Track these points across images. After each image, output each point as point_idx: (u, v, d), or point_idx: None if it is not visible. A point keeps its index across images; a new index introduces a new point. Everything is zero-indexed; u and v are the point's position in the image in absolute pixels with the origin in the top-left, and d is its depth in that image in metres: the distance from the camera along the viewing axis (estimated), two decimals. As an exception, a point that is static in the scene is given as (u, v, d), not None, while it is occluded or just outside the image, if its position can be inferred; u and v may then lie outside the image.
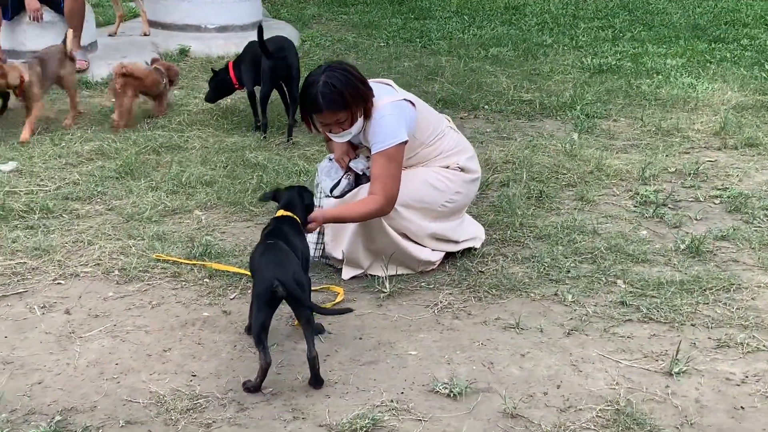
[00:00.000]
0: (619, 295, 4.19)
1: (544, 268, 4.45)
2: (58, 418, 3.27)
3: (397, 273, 4.37)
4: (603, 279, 4.36)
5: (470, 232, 4.63)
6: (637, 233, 4.94)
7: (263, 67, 6.42)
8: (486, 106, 7.43)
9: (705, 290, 4.23)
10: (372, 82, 4.27)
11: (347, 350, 3.73)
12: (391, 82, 4.40)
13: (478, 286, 4.27)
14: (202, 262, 4.45)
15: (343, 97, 3.98)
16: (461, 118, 7.12)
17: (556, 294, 4.20)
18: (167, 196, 5.35)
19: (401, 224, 4.27)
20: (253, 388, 3.41)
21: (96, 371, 3.58)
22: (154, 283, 4.31)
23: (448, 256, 4.56)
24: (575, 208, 5.26)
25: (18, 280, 4.33)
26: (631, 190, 5.58)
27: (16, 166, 5.81)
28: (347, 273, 4.36)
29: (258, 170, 5.78)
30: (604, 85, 8.15)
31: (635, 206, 5.33)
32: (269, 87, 6.58)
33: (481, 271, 4.45)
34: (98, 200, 5.35)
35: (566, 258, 4.58)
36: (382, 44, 9.80)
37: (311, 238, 4.43)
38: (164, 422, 3.26)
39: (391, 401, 3.37)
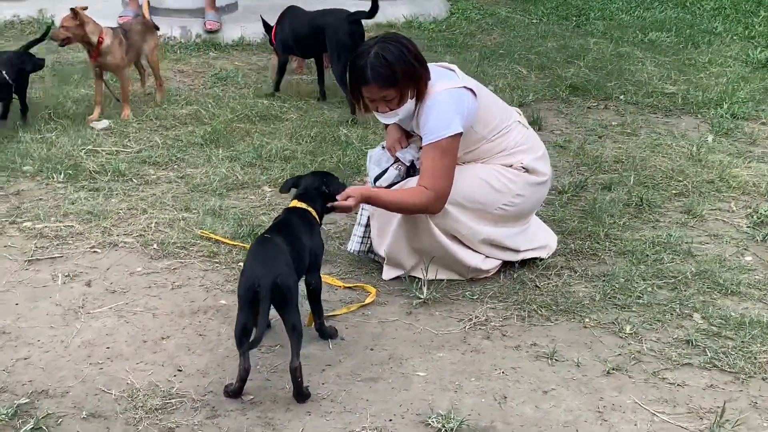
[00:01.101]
0: (689, 331, 3.63)
1: (613, 290, 3.93)
2: (24, 400, 3.12)
3: (441, 278, 3.97)
4: (677, 310, 3.79)
5: (537, 241, 4.15)
6: (740, 259, 4.30)
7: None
8: (621, 97, 6.79)
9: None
10: (432, 66, 3.85)
11: (351, 362, 3.38)
12: (454, 67, 3.95)
13: (528, 302, 3.81)
14: (243, 244, 4.19)
15: (394, 71, 3.61)
16: (588, 107, 6.55)
17: (614, 322, 3.68)
18: (241, 169, 5.15)
19: (450, 225, 3.85)
20: (232, 393, 3.14)
21: (84, 353, 3.41)
22: (187, 262, 4.11)
23: (507, 264, 4.09)
24: (677, 222, 4.65)
25: (57, 245, 4.25)
26: (750, 207, 4.88)
27: (109, 125, 5.76)
28: (388, 273, 4.00)
29: (344, 148, 5.45)
30: (764, 82, 7.27)
31: (749, 227, 4.65)
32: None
33: (537, 286, 3.97)
34: (173, 167, 5.22)
35: (644, 280, 4.03)
36: (535, 21, 9.23)
37: (357, 232, 4.09)
38: (126, 420, 3.05)
39: (373, 429, 3.00)
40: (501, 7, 9.81)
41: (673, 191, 5.06)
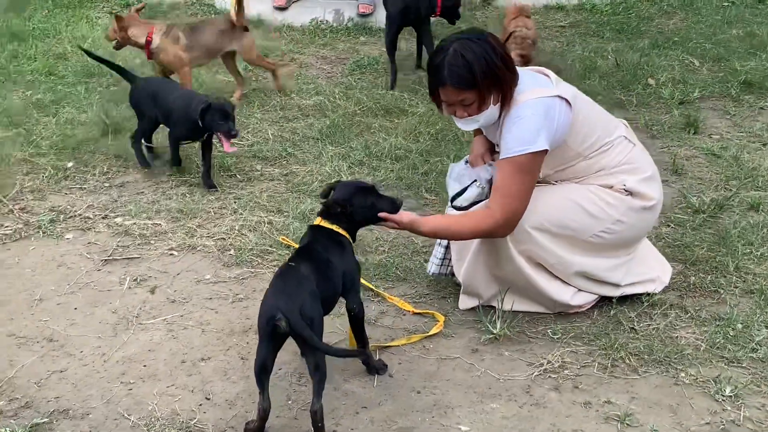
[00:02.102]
0: (805, 400, 3.03)
1: (725, 339, 3.37)
2: (43, 420, 3.01)
3: (523, 310, 3.54)
4: (799, 370, 3.19)
5: (645, 273, 3.63)
6: None
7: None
8: (806, 97, 5.95)
9: None
10: (523, 70, 3.40)
11: (391, 405, 3.05)
12: (549, 72, 3.46)
13: (617, 348, 3.32)
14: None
15: (473, 73, 3.17)
16: (761, 108, 5.79)
17: (714, 380, 3.15)
18: (348, 168, 4.87)
19: (535, 252, 3.40)
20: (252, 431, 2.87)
21: (120, 370, 3.27)
22: (257, 272, 3.91)
23: (606, 298, 3.60)
24: (828, 255, 3.96)
25: (138, 244, 4.15)
26: None
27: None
28: (464, 302, 3.61)
29: (463, 147, 5.04)
30: None
31: None
32: (395, 33, 6.24)
33: (634, 328, 3.46)
34: (281, 162, 5.03)
35: (766, 328, 3.42)
36: (726, 3, 8.33)
37: (437, 253, 3.71)
38: (133, 453, 2.83)
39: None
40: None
41: (838, 217, 4.32)
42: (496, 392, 3.11)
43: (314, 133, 5.33)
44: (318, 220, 3.14)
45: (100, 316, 3.58)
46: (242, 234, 4.19)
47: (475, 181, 3.51)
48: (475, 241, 3.47)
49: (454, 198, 3.54)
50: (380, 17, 7.49)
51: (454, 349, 3.36)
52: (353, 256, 3.13)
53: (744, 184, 4.66)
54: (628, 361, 3.26)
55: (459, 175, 3.59)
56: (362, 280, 3.68)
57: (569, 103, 3.30)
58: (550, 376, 3.19)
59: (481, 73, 3.17)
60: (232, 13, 5.68)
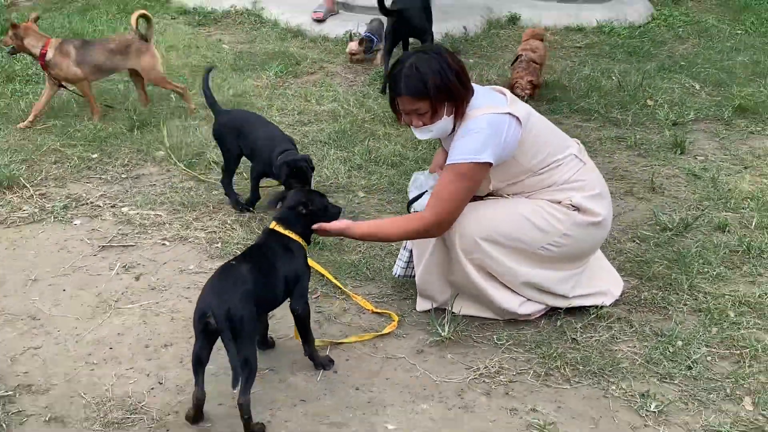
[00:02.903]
0: (727, 419, 2.84)
1: (663, 354, 3.18)
2: (6, 393, 2.95)
3: (472, 315, 3.40)
4: (727, 390, 3.01)
5: (595, 286, 3.45)
6: (841, 336, 3.35)
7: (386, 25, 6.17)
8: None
9: None
10: (480, 88, 3.26)
11: (328, 401, 2.94)
12: (506, 91, 3.31)
13: (554, 357, 3.15)
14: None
15: (426, 84, 3.06)
16: (750, 132, 5.50)
17: (643, 395, 2.96)
18: (346, 171, 4.76)
19: (484, 262, 3.25)
20: (190, 419, 2.79)
21: (87, 351, 3.22)
22: (237, 265, 3.76)
23: (557, 308, 3.43)
24: (782, 279, 3.73)
25: (137, 233, 4.12)
26: None
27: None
28: (420, 305, 3.48)
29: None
30: None
31: None
32: (390, 44, 6.16)
33: (575, 339, 3.29)
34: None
35: (706, 347, 3.24)
36: (739, 32, 7.99)
37: (402, 256, 3.58)
38: (80, 430, 2.76)
39: (304, 485, 2.54)
40: (709, 15, 8.60)
41: (797, 242, 4.07)
42: (429, 393, 2.97)
43: (323, 137, 5.22)
44: (273, 224, 3.04)
45: (84, 299, 3.53)
46: (232, 228, 4.12)
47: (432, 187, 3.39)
48: (430, 247, 3.34)
49: (410, 203, 3.42)
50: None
51: (401, 350, 3.22)
52: (302, 261, 3.00)
53: (716, 205, 4.42)
54: (562, 371, 3.09)
55: (420, 184, 3.48)
56: (331, 278, 3.59)
57: (520, 121, 3.13)
58: (484, 381, 3.04)
59: (433, 85, 3.06)
60: (134, 27, 5.34)
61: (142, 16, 5.24)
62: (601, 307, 3.44)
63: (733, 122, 5.64)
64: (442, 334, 3.25)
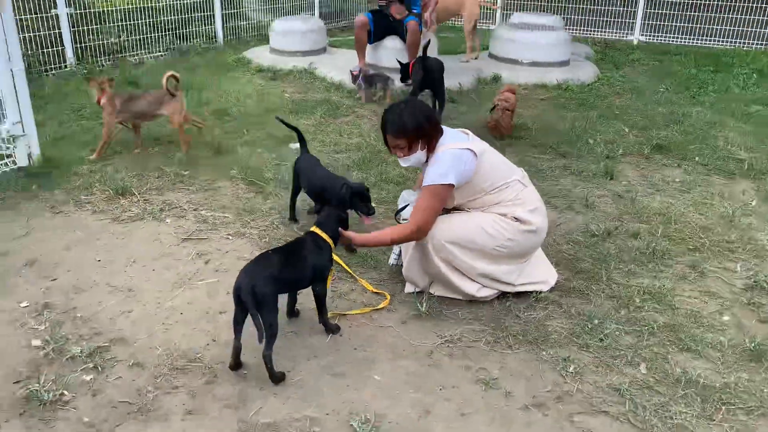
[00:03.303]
0: (626, 379, 2.74)
1: (582, 329, 3.07)
2: (104, 343, 2.92)
3: (444, 296, 3.31)
4: (628, 357, 2.90)
5: (536, 276, 3.35)
6: (717, 318, 3.22)
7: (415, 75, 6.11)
8: (696, 158, 5.45)
9: (723, 404, 2.58)
10: (452, 130, 3.19)
11: (334, 357, 2.88)
12: (469, 132, 3.24)
13: (502, 329, 3.07)
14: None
15: (405, 127, 3.07)
16: (663, 164, 5.33)
17: (565, 359, 2.87)
18: (363, 187, 4.66)
19: (449, 258, 3.19)
20: (231, 366, 2.76)
21: (165, 315, 3.18)
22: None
23: (507, 292, 3.33)
24: (678, 275, 3.60)
25: (209, 229, 4.08)
26: (752, 271, 3.67)
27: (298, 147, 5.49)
28: (407, 288, 3.41)
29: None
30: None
31: (742, 288, 3.49)
32: (417, 89, 6.14)
33: (518, 316, 3.19)
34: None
35: (616, 324, 3.12)
36: (662, 89, 7.78)
37: (395, 250, 3.53)
38: (153, 374, 2.79)
39: (308, 419, 2.49)
40: (641, 77, 8.40)
41: (690, 246, 3.93)
42: (408, 354, 2.91)
43: (350, 162, 5.15)
44: (313, 227, 2.99)
45: (166, 277, 3.51)
46: (277, 228, 4.07)
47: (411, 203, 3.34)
48: (411, 247, 3.28)
49: (397, 212, 3.38)
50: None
51: (390, 320, 3.16)
52: (328, 256, 2.94)
53: (633, 218, 4.29)
54: (507, 340, 3.01)
55: (404, 198, 3.43)
56: (344, 265, 3.53)
57: (476, 155, 3.07)
58: (448, 346, 2.96)
59: (411, 128, 3.05)
60: (165, 83, 5.04)
61: (172, 76, 5.06)
62: (540, 292, 3.34)
63: (651, 157, 5.48)
64: (421, 310, 3.18)
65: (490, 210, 3.18)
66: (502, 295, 3.32)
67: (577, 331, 3.06)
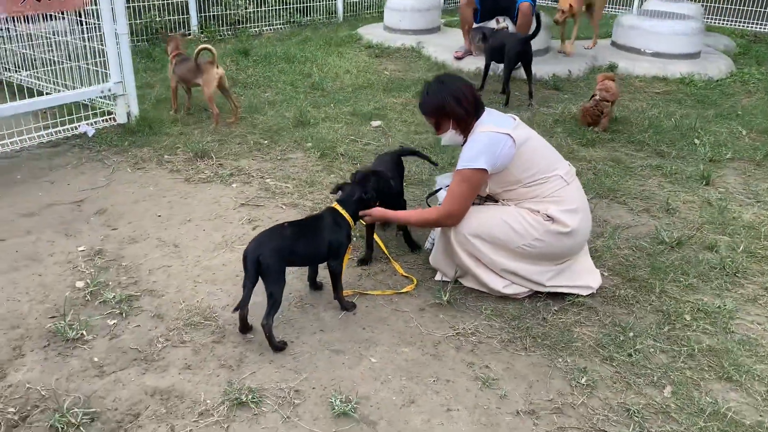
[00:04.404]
0: (642, 401, 2.51)
1: (612, 341, 2.85)
2: (136, 293, 3.11)
3: (473, 288, 3.19)
4: (654, 377, 2.65)
5: (573, 279, 3.14)
6: (775, 349, 2.86)
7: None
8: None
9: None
10: (497, 112, 3.05)
11: (339, 334, 2.88)
12: (516, 117, 3.07)
13: (523, 329, 2.91)
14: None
15: (429, 105, 3.02)
16: (767, 170, 4.77)
17: (581, 370, 2.67)
18: (435, 169, 4.59)
19: (472, 250, 3.07)
20: (240, 329, 2.86)
21: (198, 273, 3.34)
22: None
23: (542, 292, 3.16)
24: (745, 297, 3.22)
25: (268, 197, 4.20)
26: (844, 302, 3.21)
27: (380, 124, 5.52)
28: (438, 276, 3.31)
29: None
30: None
31: (822, 320, 3.07)
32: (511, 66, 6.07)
33: (545, 318, 3.01)
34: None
35: (653, 340, 2.87)
36: (803, 88, 6.94)
37: (432, 234, 3.46)
38: (168, 326, 2.93)
39: (294, 390, 2.52)
40: (784, 73, 7.53)
41: (772, 267, 3.50)
42: (413, 341, 2.84)
43: (425, 144, 5.07)
44: (334, 204, 3.00)
45: (213, 238, 3.65)
46: (330, 200, 4.09)
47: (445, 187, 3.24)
48: (438, 233, 3.19)
49: (429, 195, 3.32)
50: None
51: (408, 306, 3.09)
52: (345, 233, 2.93)
53: (715, 229, 3.89)
54: (523, 341, 2.85)
55: (440, 182, 3.34)
56: (381, 244, 3.50)
57: (515, 142, 2.91)
58: (459, 338, 2.86)
59: (434, 105, 2.98)
60: (202, 62, 5.14)
61: (206, 49, 5.07)
62: (577, 296, 3.13)
63: (763, 164, 4.92)
64: (443, 299, 3.09)
65: (523, 204, 3.01)
66: (536, 295, 3.14)
67: (605, 341, 2.83)
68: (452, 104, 2.93)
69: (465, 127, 2.97)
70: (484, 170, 2.88)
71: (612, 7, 10.97)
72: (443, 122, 2.97)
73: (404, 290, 3.17)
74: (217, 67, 5.16)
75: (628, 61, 7.48)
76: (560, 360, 2.73)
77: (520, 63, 6.12)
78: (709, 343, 2.84)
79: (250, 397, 2.43)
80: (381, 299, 3.12)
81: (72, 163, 4.58)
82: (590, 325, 2.96)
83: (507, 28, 6.53)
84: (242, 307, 2.73)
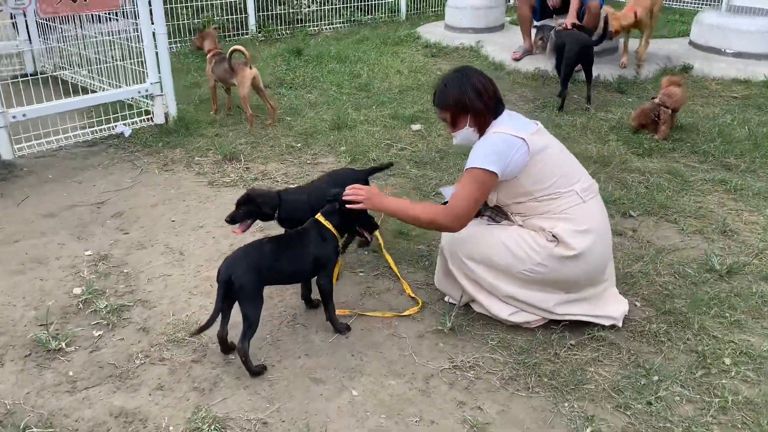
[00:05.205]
0: (654, 463, 2.16)
1: (633, 386, 2.50)
2: (128, 303, 3.02)
3: (483, 313, 2.90)
4: (674, 434, 2.28)
5: (597, 310, 2.80)
6: (832, 407, 2.42)
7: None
8: None
9: None
10: (518, 114, 2.76)
11: (325, 359, 2.67)
12: (539, 123, 2.76)
13: (529, 366, 2.61)
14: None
15: (447, 98, 2.69)
16: None
17: (588, 418, 2.35)
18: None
19: (470, 274, 2.79)
20: (222, 350, 2.69)
21: (195, 284, 3.21)
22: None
23: (559, 321, 2.84)
24: (805, 339, 2.78)
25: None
26: None
27: (420, 128, 5.27)
28: (447, 297, 3.04)
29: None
30: None
31: None
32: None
33: (557, 353, 2.69)
34: (419, 167, 4.57)
35: (681, 387, 2.50)
36: None
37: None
38: (151, 341, 2.79)
39: (259, 423, 2.33)
40: None
41: (842, 305, 3.01)
42: (403, 372, 2.59)
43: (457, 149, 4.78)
44: (318, 216, 2.79)
45: (220, 247, 3.53)
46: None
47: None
48: (439, 255, 2.91)
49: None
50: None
51: (407, 331, 2.84)
52: (332, 247, 2.70)
53: (776, 256, 3.41)
54: (527, 380, 2.54)
55: (446, 194, 3.05)
56: (390, 261, 3.27)
57: (529, 149, 2.60)
58: (455, 372, 2.58)
59: (453, 100, 2.66)
60: (236, 63, 5.06)
61: (238, 50, 4.96)
62: (599, 328, 2.78)
63: None
64: (446, 326, 2.82)
65: (532, 219, 2.69)
66: (551, 324, 2.82)
67: (623, 385, 2.49)
68: (472, 97, 2.64)
69: (482, 125, 2.68)
70: (494, 174, 2.58)
71: (696, 3, 10.21)
72: (460, 118, 2.69)
73: (406, 313, 2.92)
74: (251, 68, 5.06)
75: (704, 62, 6.89)
76: (566, 404, 2.41)
77: (580, 65, 5.70)
78: (747, 394, 2.43)
79: (212, 427, 2.25)
80: (380, 321, 2.88)
81: (103, 164, 4.59)
82: (608, 364, 2.61)
83: (566, 26, 6.10)
84: (205, 329, 2.53)
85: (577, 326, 2.80)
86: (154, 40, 4.95)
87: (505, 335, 2.78)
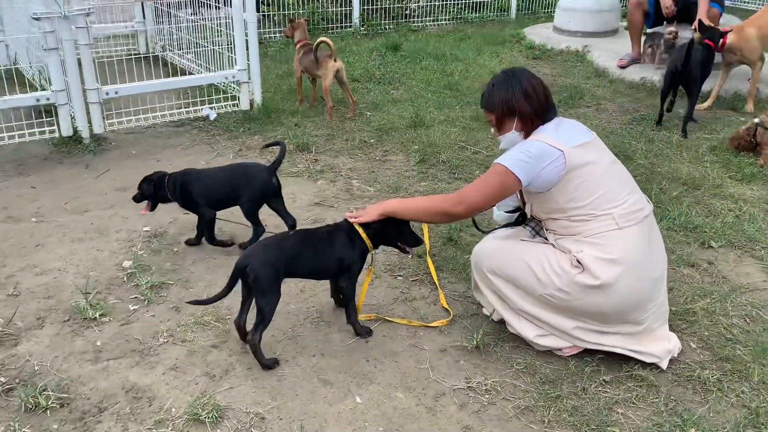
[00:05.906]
0: None
1: (659, 429, 2.27)
2: (169, 281, 3.11)
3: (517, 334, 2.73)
4: (698, 498, 2.04)
5: (631, 342, 2.56)
6: None
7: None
8: None
9: None
10: (569, 121, 2.57)
11: (339, 361, 2.61)
12: (593, 133, 2.55)
13: (551, 398, 2.42)
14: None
15: (493, 99, 2.54)
16: None
17: (602, 465, 2.14)
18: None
19: (495, 289, 2.66)
20: (241, 337, 2.70)
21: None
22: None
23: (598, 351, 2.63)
24: None
25: (345, 198, 4.04)
26: None
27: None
28: (485, 309, 2.90)
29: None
30: None
31: None
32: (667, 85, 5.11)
33: (585, 388, 2.48)
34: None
35: (719, 445, 2.23)
36: None
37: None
38: (179, 321, 2.84)
39: (256, 417, 2.32)
40: None
41: None
42: (414, 387, 2.48)
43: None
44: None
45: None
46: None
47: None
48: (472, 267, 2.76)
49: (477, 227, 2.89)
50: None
51: (431, 343, 2.73)
52: (359, 252, 2.63)
53: None
54: (545, 413, 2.36)
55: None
56: (431, 268, 3.16)
57: (566, 162, 2.41)
58: (469, 394, 2.44)
59: (499, 102, 2.51)
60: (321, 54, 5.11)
61: (324, 42, 4.98)
62: (639, 364, 2.54)
63: None
64: (472, 343, 2.67)
65: (564, 240, 2.49)
66: (587, 354, 2.60)
67: (650, 429, 2.25)
68: (521, 100, 2.48)
69: (529, 130, 2.52)
70: (518, 179, 2.42)
71: None
72: (506, 121, 2.53)
73: (434, 324, 2.81)
74: (335, 60, 5.07)
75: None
76: (583, 446, 2.20)
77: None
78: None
79: (210, 415, 2.26)
80: (404, 330, 2.79)
81: (184, 144, 4.77)
82: (641, 407, 2.37)
83: (676, 34, 5.65)
84: (201, 303, 2.59)
85: (616, 361, 2.57)
86: (245, 28, 5.06)
87: (533, 361, 2.60)
